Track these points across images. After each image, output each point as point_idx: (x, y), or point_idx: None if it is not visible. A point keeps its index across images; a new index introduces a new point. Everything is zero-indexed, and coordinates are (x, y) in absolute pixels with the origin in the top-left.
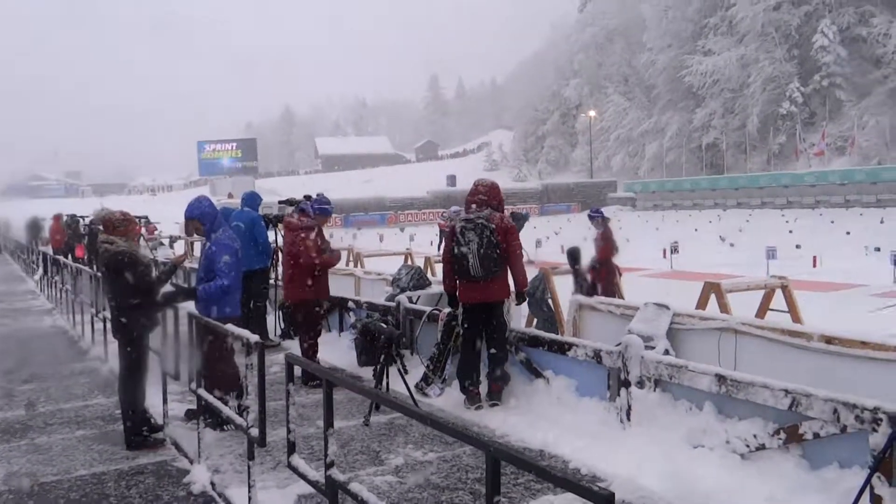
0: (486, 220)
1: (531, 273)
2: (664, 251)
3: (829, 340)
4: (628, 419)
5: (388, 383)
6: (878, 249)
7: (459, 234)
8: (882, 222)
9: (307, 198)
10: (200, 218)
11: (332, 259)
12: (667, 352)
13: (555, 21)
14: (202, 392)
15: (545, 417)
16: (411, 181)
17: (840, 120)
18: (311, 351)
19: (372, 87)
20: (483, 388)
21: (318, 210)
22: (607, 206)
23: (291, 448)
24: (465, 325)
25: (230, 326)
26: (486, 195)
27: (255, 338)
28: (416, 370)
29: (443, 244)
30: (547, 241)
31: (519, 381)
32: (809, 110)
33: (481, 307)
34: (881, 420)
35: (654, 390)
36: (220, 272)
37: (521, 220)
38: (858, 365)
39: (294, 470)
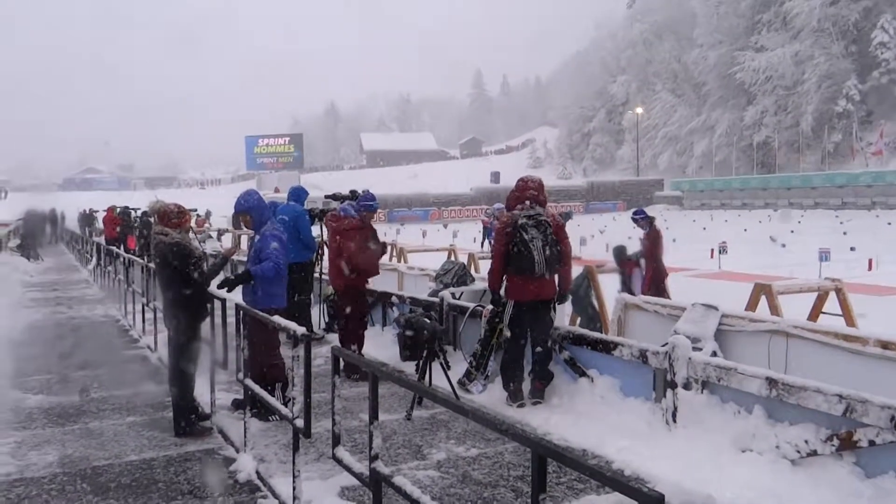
0: (548, 217)
1: (576, 271)
2: (712, 251)
3: (885, 346)
4: (674, 421)
5: (430, 378)
6: None
7: (521, 230)
8: None
9: (353, 193)
10: (250, 211)
11: (379, 253)
12: (714, 353)
13: (599, 18)
14: (249, 382)
15: (588, 417)
16: (455, 177)
17: None
18: (357, 343)
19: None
20: (526, 386)
21: (363, 206)
22: (653, 205)
23: (336, 440)
24: (515, 323)
25: (277, 318)
26: (537, 191)
27: (301, 330)
28: (459, 366)
29: (487, 241)
30: (592, 239)
31: (562, 379)
32: (867, 108)
33: (533, 305)
34: None
35: (702, 392)
36: (270, 256)
37: (564, 218)
38: None
39: (339, 461)
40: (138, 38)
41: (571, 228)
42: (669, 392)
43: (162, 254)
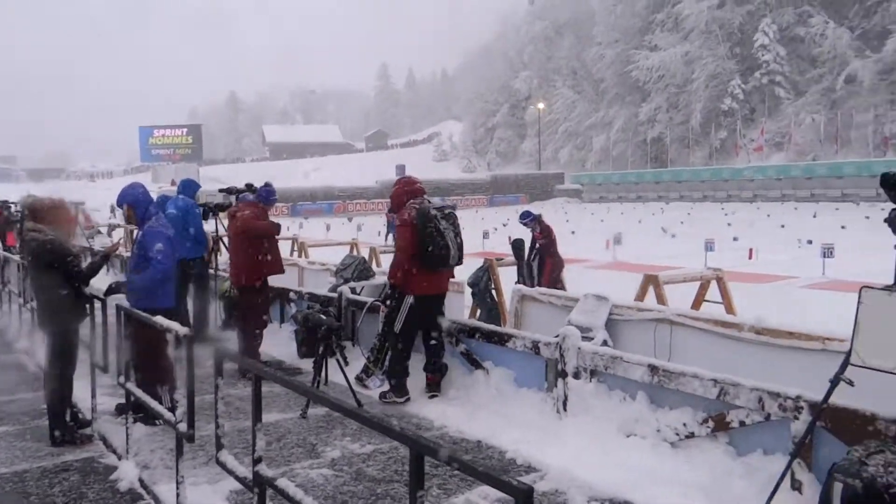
0: (452, 209)
1: (477, 264)
2: (608, 242)
3: (758, 331)
4: (565, 409)
5: (326, 375)
6: (810, 242)
7: (435, 221)
8: (815, 216)
9: (249, 186)
10: (133, 204)
11: (271, 226)
12: (605, 342)
13: (504, 13)
14: (130, 386)
15: (484, 408)
16: (360, 171)
17: (778, 117)
18: (254, 342)
19: (320, 76)
20: (420, 382)
21: (262, 198)
22: (554, 198)
23: (219, 443)
24: (412, 317)
25: (159, 318)
26: (422, 186)
27: (184, 330)
28: (358, 362)
29: (391, 234)
30: (495, 232)
31: (459, 372)
32: (750, 107)
33: (433, 298)
34: (802, 408)
35: (591, 381)
36: (154, 260)
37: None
38: (786, 354)
39: (222, 466)
40: (29, 25)
41: (475, 221)
42: (560, 382)
43: (34, 252)
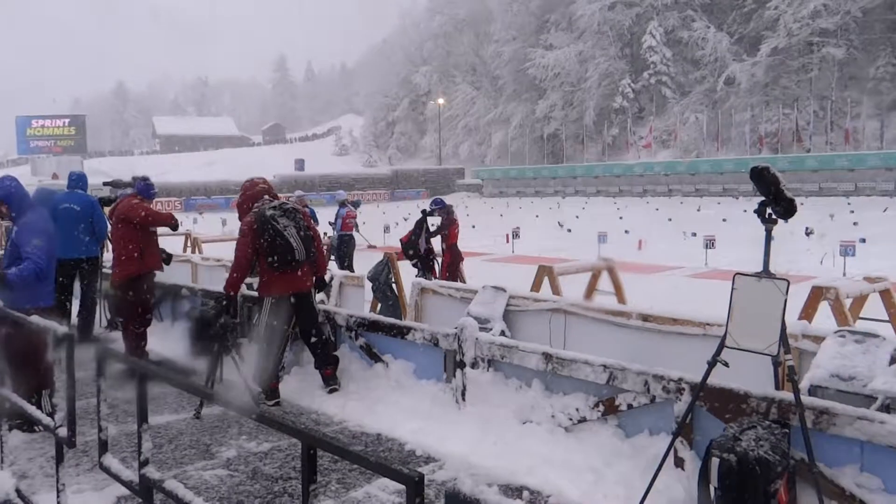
0: (293, 205)
1: (377, 258)
2: (507, 236)
3: (645, 318)
4: (463, 399)
5: (221, 373)
6: (694, 234)
7: (272, 221)
8: (699, 210)
9: (136, 179)
10: (5, 199)
11: (163, 215)
12: (503, 333)
13: (404, 8)
14: (4, 391)
15: (384, 401)
16: (258, 164)
17: (665, 115)
18: (139, 340)
19: (214, 66)
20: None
21: (141, 192)
22: (455, 193)
23: (103, 447)
24: (274, 318)
25: (35, 318)
26: (267, 185)
27: (62, 329)
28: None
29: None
30: (396, 226)
31: (358, 366)
32: (639, 105)
33: (292, 297)
34: (684, 389)
35: (488, 370)
36: (31, 256)
37: (353, 205)
38: (671, 339)
39: (106, 471)
40: None
41: (376, 216)
42: (459, 372)
43: None
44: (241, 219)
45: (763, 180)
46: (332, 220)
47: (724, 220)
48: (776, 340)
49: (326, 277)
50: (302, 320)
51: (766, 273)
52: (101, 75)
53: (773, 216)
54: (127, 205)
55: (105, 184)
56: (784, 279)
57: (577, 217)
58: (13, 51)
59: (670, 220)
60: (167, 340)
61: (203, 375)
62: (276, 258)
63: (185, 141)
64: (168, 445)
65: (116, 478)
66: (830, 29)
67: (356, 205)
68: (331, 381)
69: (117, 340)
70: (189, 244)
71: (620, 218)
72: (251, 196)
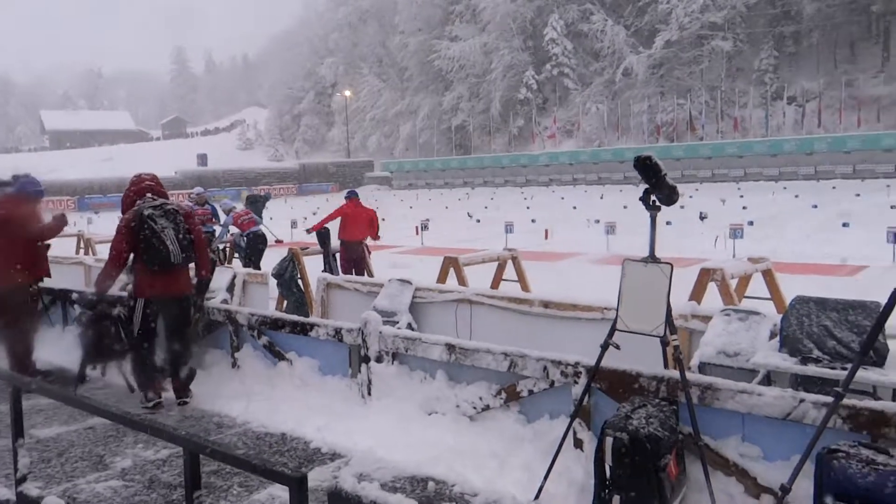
0: (175, 205)
1: (281, 254)
2: (417, 228)
3: (546, 305)
4: (369, 394)
5: (85, 373)
6: (597, 222)
7: (150, 221)
8: (602, 198)
9: (15, 178)
10: None
11: (56, 225)
12: (410, 325)
13: None
14: None
15: (289, 400)
16: (158, 160)
17: (568, 106)
18: (21, 349)
19: (108, 57)
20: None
21: (24, 192)
22: (365, 186)
23: None
24: (147, 321)
25: None
26: (153, 182)
27: None
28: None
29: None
30: (304, 221)
31: (262, 365)
32: (543, 96)
33: (165, 301)
34: (581, 373)
35: (393, 363)
36: None
37: (259, 201)
38: (571, 324)
39: None
40: None
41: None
42: (364, 367)
43: None
44: (123, 214)
45: (646, 169)
46: (224, 225)
47: (624, 206)
48: (662, 322)
49: (228, 276)
50: (172, 324)
51: (651, 258)
52: None
53: (657, 203)
54: (11, 214)
55: None
56: (668, 263)
57: (486, 207)
58: None
59: (575, 208)
60: (59, 349)
61: (98, 383)
62: (151, 259)
63: (76, 136)
64: (58, 459)
65: None
66: (718, 23)
67: (266, 199)
68: (180, 394)
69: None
70: (82, 245)
71: (528, 208)
72: (135, 192)
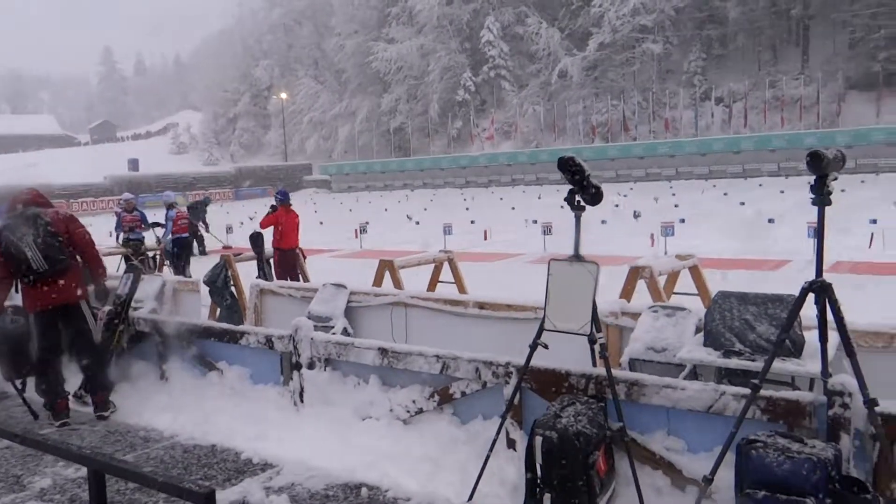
0: (36, 212)
1: (214, 261)
2: (356, 231)
3: (481, 306)
4: (302, 401)
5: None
6: (535, 222)
7: (8, 232)
8: (540, 198)
9: None
10: None
11: None
12: (345, 330)
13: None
14: None
15: (219, 411)
16: (86, 165)
17: (505, 108)
18: None
19: (29, 59)
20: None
21: None
22: (303, 189)
23: None
24: (42, 335)
25: None
26: (29, 195)
27: None
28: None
29: (118, 233)
30: (241, 226)
31: (191, 375)
32: (481, 98)
33: (52, 312)
34: (512, 373)
35: (325, 369)
36: None
37: (201, 204)
38: (506, 325)
39: None
40: None
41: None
42: (296, 374)
43: None
44: None
45: (570, 169)
46: (163, 223)
47: (561, 206)
48: (588, 320)
49: (157, 284)
50: (69, 336)
51: (576, 257)
52: None
53: (582, 203)
54: None
55: None
56: (594, 262)
57: (426, 209)
58: None
59: (514, 208)
60: None
61: (16, 400)
62: (17, 271)
63: None
64: None
65: None
66: (649, 26)
67: (206, 203)
68: (100, 407)
69: None
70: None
71: (467, 209)
72: (9, 207)
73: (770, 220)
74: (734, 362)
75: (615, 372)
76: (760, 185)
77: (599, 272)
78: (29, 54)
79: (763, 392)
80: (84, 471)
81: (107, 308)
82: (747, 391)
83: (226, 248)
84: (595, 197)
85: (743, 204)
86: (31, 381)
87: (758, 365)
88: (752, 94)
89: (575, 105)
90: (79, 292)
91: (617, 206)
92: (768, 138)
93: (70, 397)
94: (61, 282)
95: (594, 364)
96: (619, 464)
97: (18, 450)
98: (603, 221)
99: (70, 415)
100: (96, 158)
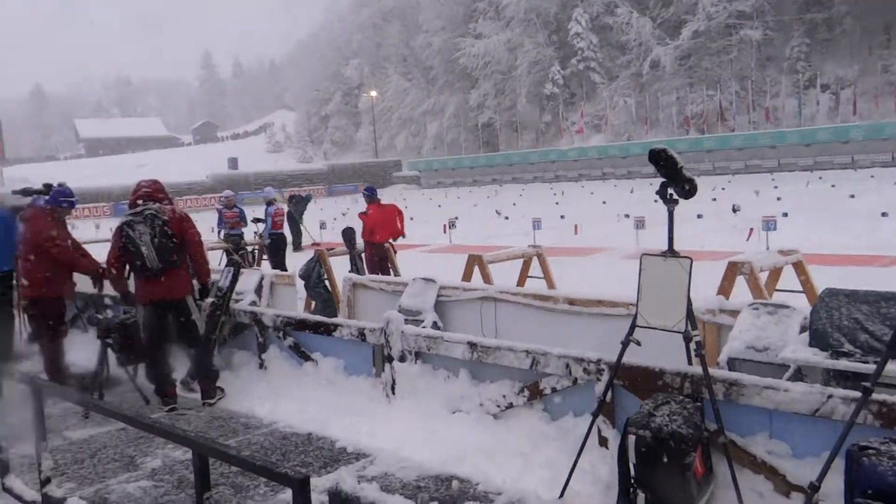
0: (155, 211)
1: (308, 256)
2: (444, 227)
3: (571, 301)
4: (393, 393)
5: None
6: (627, 216)
7: (128, 228)
8: (632, 192)
9: (47, 186)
10: None
11: (82, 263)
12: (435, 324)
13: (327, 2)
14: None
15: (314, 400)
16: (190, 165)
17: (595, 100)
18: (55, 354)
19: (137, 66)
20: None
21: (57, 202)
22: (393, 186)
23: (4, 468)
24: (147, 325)
25: None
26: (151, 188)
27: None
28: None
29: (221, 229)
30: (334, 222)
31: (288, 365)
32: (570, 91)
33: (162, 305)
34: (603, 370)
35: (416, 362)
36: None
37: (302, 201)
38: (596, 321)
39: (9, 492)
40: None
41: (313, 212)
42: (387, 366)
43: None
44: None
45: (661, 162)
46: (263, 219)
47: (655, 200)
48: (683, 317)
49: (256, 278)
50: (175, 328)
51: (670, 252)
52: (16, 78)
53: (674, 196)
54: (39, 232)
55: (14, 192)
56: (687, 257)
57: (515, 204)
58: None
59: (605, 202)
60: (89, 351)
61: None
62: (132, 265)
63: (110, 143)
64: (90, 460)
65: (19, 498)
66: (747, 11)
67: (308, 200)
68: (207, 395)
69: (37, 355)
70: None
71: (557, 203)
72: (131, 201)
73: (884, 214)
74: (843, 364)
75: (712, 371)
76: (872, 177)
77: (692, 267)
78: (137, 61)
79: (875, 396)
80: (190, 453)
81: (209, 300)
82: (857, 394)
83: (315, 244)
84: (689, 190)
85: (853, 196)
86: (142, 369)
87: (869, 367)
88: (861, 79)
89: (668, 96)
90: (186, 287)
91: (714, 199)
92: (880, 126)
93: (178, 384)
94: (170, 278)
95: (689, 362)
96: (716, 466)
97: (132, 432)
98: (699, 216)
99: (177, 401)
100: (198, 158)
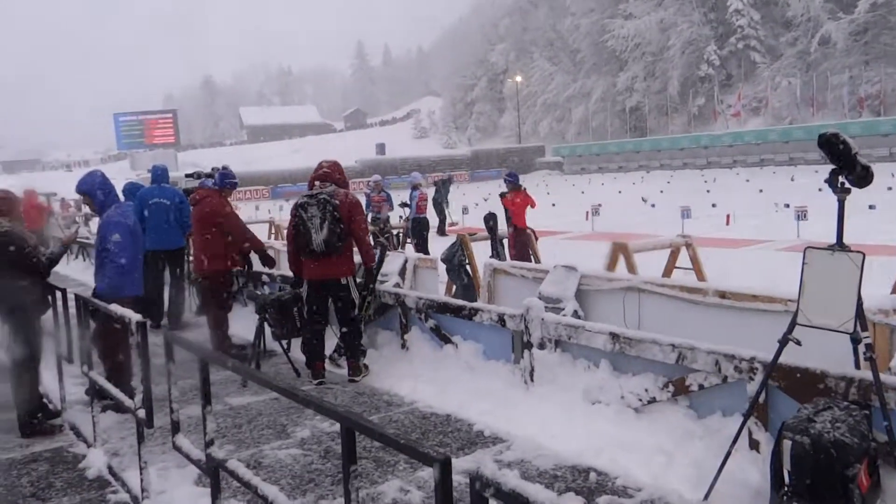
0: (329, 195)
1: (450, 240)
2: (587, 214)
3: (723, 295)
4: (531, 380)
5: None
6: (787, 206)
7: (301, 209)
8: (793, 180)
9: (215, 170)
10: (87, 193)
11: (257, 246)
12: (576, 313)
13: None
14: (93, 374)
15: (453, 382)
16: (341, 150)
17: (754, 81)
18: (221, 325)
19: (296, 56)
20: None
21: (224, 184)
22: (536, 171)
23: (175, 428)
24: (309, 302)
25: (114, 306)
26: (330, 169)
27: (137, 317)
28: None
29: (368, 213)
30: (476, 207)
31: (429, 347)
32: (726, 72)
33: (323, 284)
34: (757, 369)
35: (555, 350)
36: (112, 253)
37: (444, 185)
38: (750, 317)
39: (178, 450)
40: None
41: (456, 197)
42: (526, 353)
43: None
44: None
45: (832, 148)
46: (408, 202)
47: (819, 189)
48: (852, 317)
49: (400, 261)
50: (337, 308)
51: (839, 245)
52: (189, 70)
53: (846, 185)
54: (216, 210)
55: (186, 175)
56: (859, 252)
57: (662, 192)
58: (107, 50)
59: (761, 191)
60: (250, 324)
61: (282, 358)
62: (299, 245)
63: (270, 130)
64: (248, 426)
65: (187, 457)
66: None
67: (450, 182)
68: (353, 372)
69: (204, 325)
70: (273, 231)
71: (708, 191)
72: (311, 180)
73: None
74: None
75: (884, 377)
76: None
77: (864, 263)
78: (297, 51)
79: None
80: (337, 426)
81: (357, 280)
82: None
83: (452, 224)
84: (863, 178)
85: None
86: (295, 343)
87: None
88: None
89: (839, 75)
90: (348, 269)
91: (890, 188)
92: None
93: (327, 359)
94: (334, 259)
95: (857, 366)
96: (885, 480)
97: (284, 402)
98: (871, 206)
99: (325, 375)
100: (349, 143)
